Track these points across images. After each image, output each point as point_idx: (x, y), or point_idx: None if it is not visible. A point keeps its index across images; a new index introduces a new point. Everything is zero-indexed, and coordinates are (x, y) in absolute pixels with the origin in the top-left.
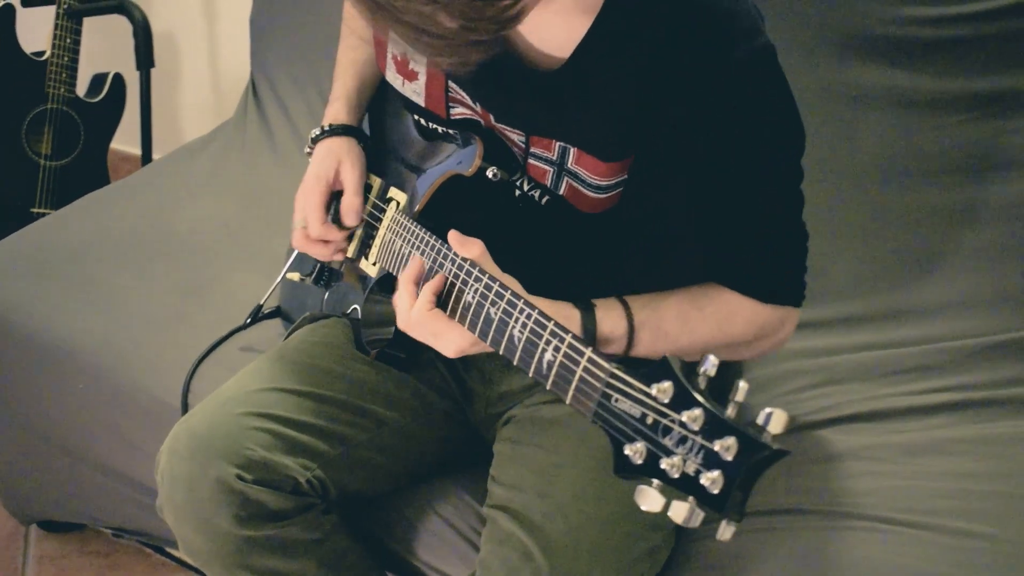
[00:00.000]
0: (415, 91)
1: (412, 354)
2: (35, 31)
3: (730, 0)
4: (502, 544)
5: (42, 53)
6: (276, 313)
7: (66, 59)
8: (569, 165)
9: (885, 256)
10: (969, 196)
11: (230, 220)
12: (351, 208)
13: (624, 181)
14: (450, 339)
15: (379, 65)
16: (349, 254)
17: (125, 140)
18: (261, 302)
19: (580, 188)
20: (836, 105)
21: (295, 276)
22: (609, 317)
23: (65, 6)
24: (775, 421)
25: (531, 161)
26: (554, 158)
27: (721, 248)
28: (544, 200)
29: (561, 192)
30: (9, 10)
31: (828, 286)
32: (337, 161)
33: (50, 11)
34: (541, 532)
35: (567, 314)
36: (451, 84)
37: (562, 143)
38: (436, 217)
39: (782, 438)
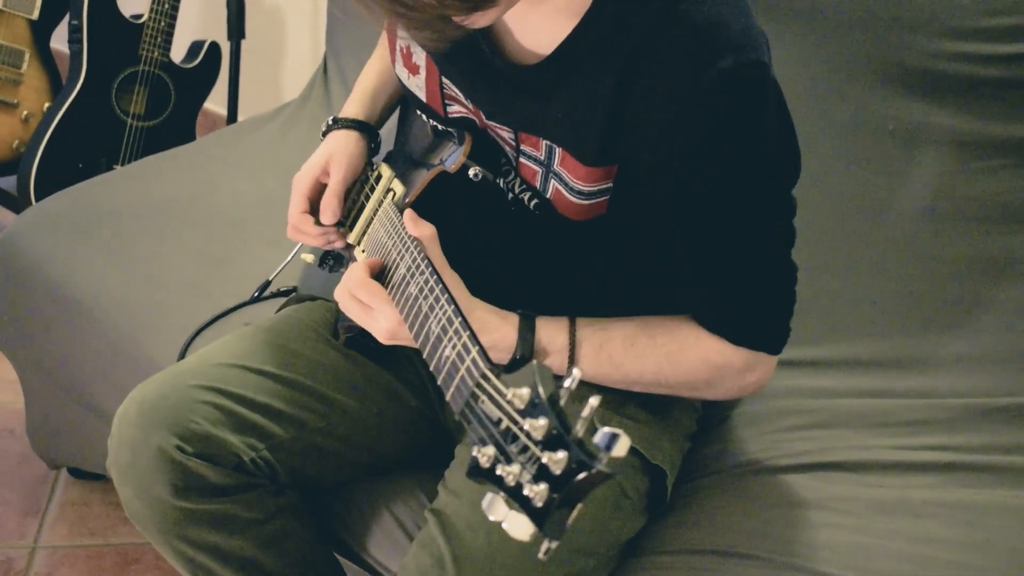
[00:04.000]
0: (418, 86)
1: (385, 346)
2: None
3: (722, 12)
4: (423, 548)
5: (140, 16)
6: (290, 292)
7: (163, 24)
8: (555, 167)
9: (902, 301)
10: (1005, 247)
11: (272, 196)
12: (327, 207)
13: (609, 190)
14: (383, 314)
15: (391, 58)
16: (351, 240)
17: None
18: (270, 278)
19: (564, 192)
20: (869, 139)
21: (309, 258)
22: (550, 327)
23: None
24: (619, 445)
25: (522, 160)
26: (542, 158)
27: (690, 276)
28: (533, 204)
29: (548, 195)
30: None
31: (835, 325)
32: (328, 156)
33: None
34: (460, 541)
35: (505, 316)
36: (444, 80)
37: (547, 141)
38: (426, 213)
39: (764, 478)
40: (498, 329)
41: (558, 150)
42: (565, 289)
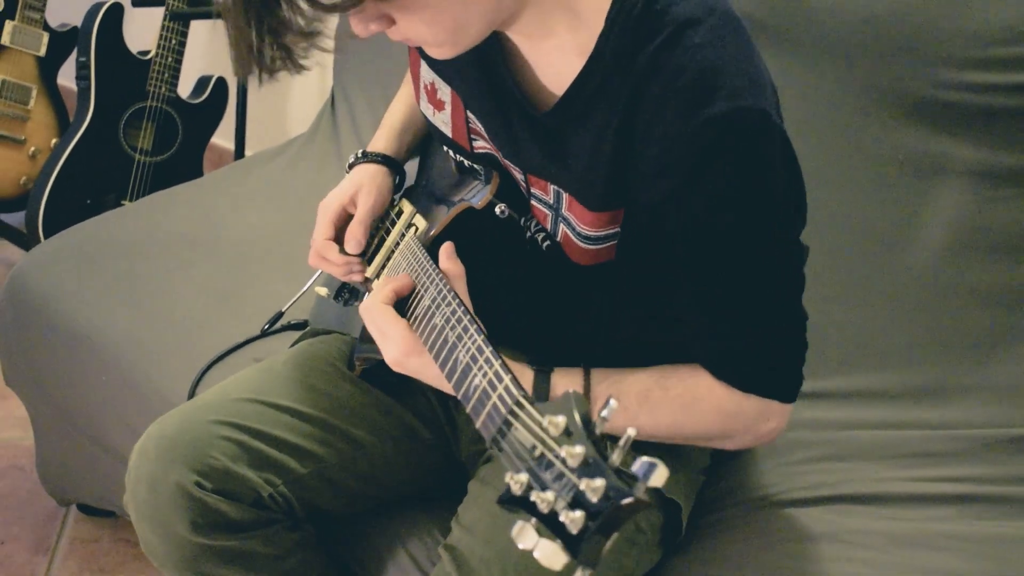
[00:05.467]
0: (444, 121)
1: (402, 378)
2: (145, 31)
3: (721, 58)
4: None
5: (148, 52)
6: (301, 326)
7: (170, 59)
8: (563, 211)
9: (917, 332)
10: (1014, 277)
11: (281, 230)
12: (352, 236)
13: (616, 235)
14: (393, 339)
15: (415, 96)
16: (368, 274)
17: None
18: (283, 310)
19: (571, 236)
20: (882, 169)
21: (323, 291)
22: (564, 383)
23: (172, 8)
24: (656, 475)
25: (533, 203)
26: (551, 201)
27: (697, 324)
28: (545, 245)
29: (558, 239)
30: (118, 8)
31: (851, 357)
32: (357, 186)
33: (159, 12)
34: None
35: (519, 371)
36: (469, 115)
37: (555, 186)
38: None
39: (768, 511)
40: None
41: (565, 195)
42: (576, 330)
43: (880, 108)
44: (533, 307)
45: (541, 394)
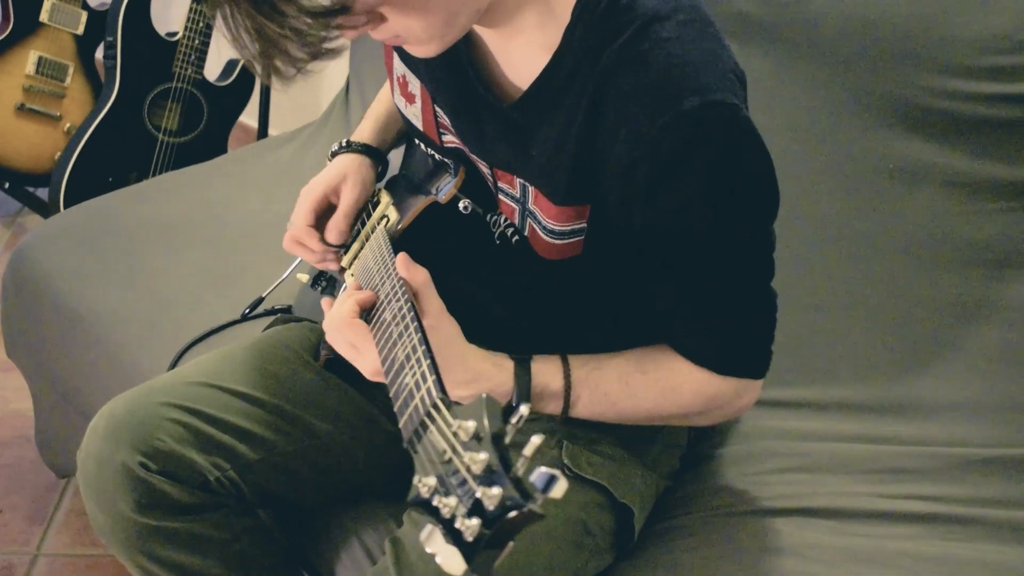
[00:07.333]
0: (415, 115)
1: None
2: (174, 13)
3: (688, 52)
4: None
5: (175, 34)
6: (285, 311)
7: (197, 42)
8: (530, 205)
9: (896, 343)
10: (996, 292)
11: (282, 215)
12: (335, 226)
13: (582, 230)
14: (367, 354)
15: (390, 88)
16: (344, 264)
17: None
18: (263, 295)
19: (538, 230)
20: (868, 177)
21: (304, 277)
22: (545, 371)
23: None
24: (556, 487)
25: (500, 197)
26: (517, 195)
27: (671, 313)
28: (515, 240)
29: (526, 233)
30: None
31: (827, 367)
32: (342, 176)
33: None
34: (410, 572)
35: (500, 363)
36: (437, 109)
37: (521, 180)
38: (415, 242)
39: (738, 521)
40: (493, 377)
41: (531, 189)
42: (548, 323)
43: (870, 115)
44: (504, 299)
45: (523, 385)
